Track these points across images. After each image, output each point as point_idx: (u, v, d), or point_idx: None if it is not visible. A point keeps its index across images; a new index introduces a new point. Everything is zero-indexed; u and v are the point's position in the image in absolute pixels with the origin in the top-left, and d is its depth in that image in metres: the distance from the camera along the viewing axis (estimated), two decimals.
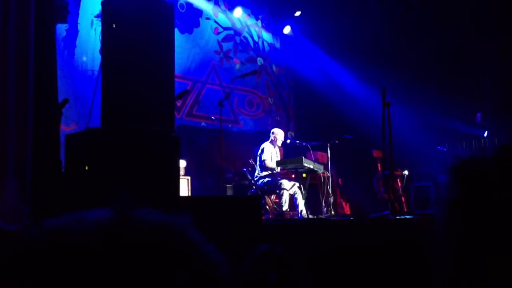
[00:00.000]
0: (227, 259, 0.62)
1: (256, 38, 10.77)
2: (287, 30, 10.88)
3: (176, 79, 4.35)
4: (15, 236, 2.79)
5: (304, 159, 7.00)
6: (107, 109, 3.85)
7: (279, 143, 7.79)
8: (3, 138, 3.92)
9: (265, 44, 10.95)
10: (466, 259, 0.72)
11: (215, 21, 10.04)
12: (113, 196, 0.62)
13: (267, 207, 7.48)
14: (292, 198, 7.20)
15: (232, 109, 10.06)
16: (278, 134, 7.80)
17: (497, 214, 0.71)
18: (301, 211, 7.01)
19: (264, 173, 7.48)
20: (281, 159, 7.76)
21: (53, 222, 0.60)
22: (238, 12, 10.27)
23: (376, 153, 8.44)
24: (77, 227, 0.58)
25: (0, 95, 3.95)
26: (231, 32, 10.33)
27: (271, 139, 7.76)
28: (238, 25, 10.45)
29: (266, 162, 7.46)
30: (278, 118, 10.85)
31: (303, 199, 7.15)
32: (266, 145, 7.65)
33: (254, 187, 7.53)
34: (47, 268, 0.55)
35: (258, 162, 7.63)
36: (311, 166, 7.11)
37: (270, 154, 7.56)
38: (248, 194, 7.55)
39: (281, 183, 7.15)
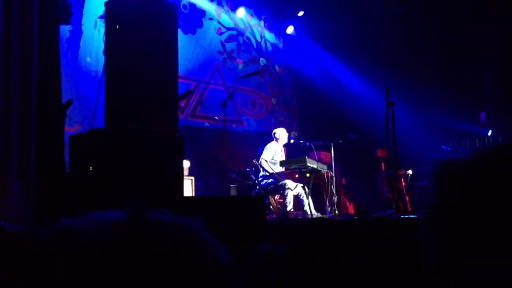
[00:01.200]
0: (232, 259, 0.63)
1: (258, 39, 10.77)
2: (290, 30, 10.88)
3: (179, 80, 4.35)
4: (19, 236, 2.80)
5: (307, 159, 6.99)
6: (111, 110, 3.86)
7: (285, 140, 7.81)
8: (7, 140, 3.93)
9: (268, 44, 10.95)
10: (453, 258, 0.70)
11: (218, 22, 10.04)
12: (126, 197, 0.62)
13: (271, 207, 7.47)
14: (298, 199, 7.19)
15: (236, 109, 10.06)
16: (281, 133, 7.82)
17: (477, 216, 0.68)
18: (310, 210, 6.99)
19: (268, 172, 7.48)
20: (285, 158, 7.78)
21: (66, 222, 0.60)
22: (241, 12, 10.27)
23: (380, 153, 8.42)
24: (92, 227, 0.58)
25: (4, 97, 3.96)
26: (234, 32, 10.33)
27: (276, 138, 7.78)
28: (241, 26, 10.45)
29: (262, 162, 7.48)
30: (281, 118, 10.85)
31: (307, 198, 7.13)
32: (270, 145, 7.67)
33: (258, 187, 7.52)
34: (59, 269, 0.54)
35: None
36: (315, 166, 7.10)
37: (273, 153, 7.56)
38: (252, 194, 7.56)
39: (285, 183, 7.14)
